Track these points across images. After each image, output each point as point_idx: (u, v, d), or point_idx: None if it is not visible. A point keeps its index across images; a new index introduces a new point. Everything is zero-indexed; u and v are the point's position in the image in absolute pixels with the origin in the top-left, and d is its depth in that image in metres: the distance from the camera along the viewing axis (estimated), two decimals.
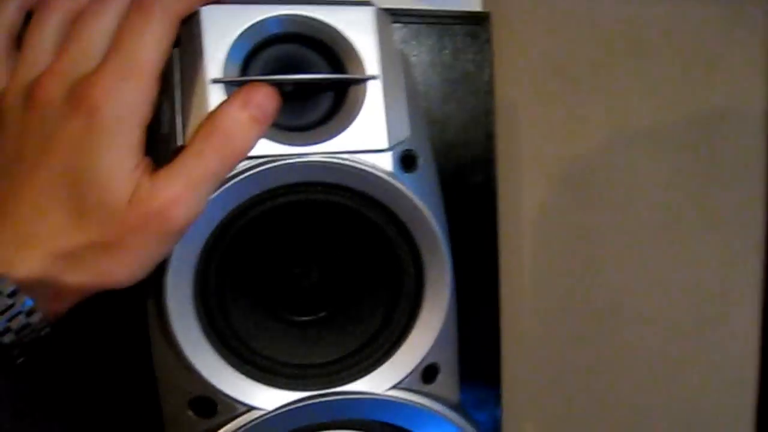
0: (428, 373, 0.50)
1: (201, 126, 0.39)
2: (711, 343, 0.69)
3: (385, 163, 0.45)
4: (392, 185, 0.45)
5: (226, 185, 0.41)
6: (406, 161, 0.47)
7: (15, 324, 0.35)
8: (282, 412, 0.46)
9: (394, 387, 0.49)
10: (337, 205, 0.45)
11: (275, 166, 0.42)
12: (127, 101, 0.36)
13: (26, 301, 0.35)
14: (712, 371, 0.69)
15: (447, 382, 0.52)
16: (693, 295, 0.68)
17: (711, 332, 0.69)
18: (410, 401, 0.49)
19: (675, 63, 0.67)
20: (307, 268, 0.49)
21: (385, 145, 0.45)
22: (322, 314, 0.50)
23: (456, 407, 0.52)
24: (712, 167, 0.65)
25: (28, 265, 0.36)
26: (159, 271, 0.41)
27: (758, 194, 0.65)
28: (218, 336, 0.45)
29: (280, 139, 0.42)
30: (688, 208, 0.67)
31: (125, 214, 0.36)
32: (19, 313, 0.35)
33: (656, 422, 0.73)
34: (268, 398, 0.46)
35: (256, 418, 0.46)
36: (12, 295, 0.35)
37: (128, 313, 0.45)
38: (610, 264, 0.71)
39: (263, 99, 0.38)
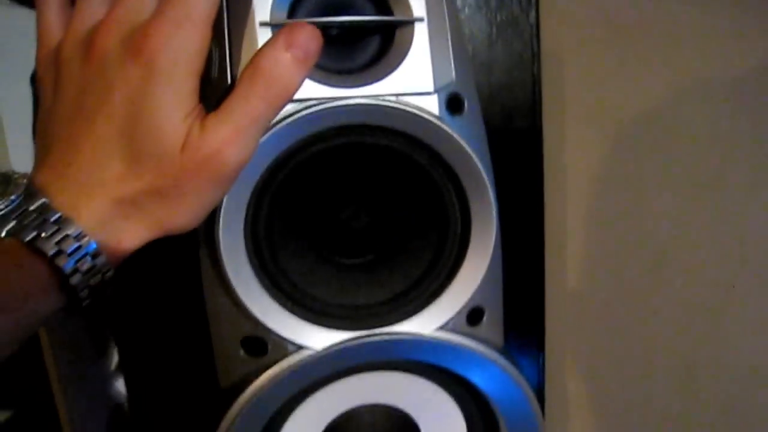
0: (473, 315, 0.51)
1: (245, 69, 0.38)
2: (756, 297, 0.69)
3: (431, 105, 0.45)
4: (439, 128, 0.45)
5: (275, 128, 0.42)
6: (453, 104, 0.47)
7: (82, 266, 0.36)
8: (331, 352, 0.47)
9: (440, 328, 0.50)
10: (385, 148, 0.45)
11: (323, 109, 0.43)
12: (183, 49, 0.37)
13: (91, 244, 0.36)
14: (756, 325, 0.69)
15: (492, 325, 0.52)
16: (739, 249, 0.68)
17: (756, 286, 0.68)
18: (456, 342, 0.50)
19: (728, 13, 0.65)
20: (355, 210, 0.49)
21: (431, 88, 0.45)
22: (370, 257, 0.50)
23: (500, 350, 0.53)
24: (762, 118, 0.64)
25: (92, 210, 0.37)
26: (211, 215, 0.43)
27: None
28: (269, 277, 0.46)
29: (327, 81, 0.43)
30: (737, 162, 0.66)
31: (179, 161, 0.37)
32: (86, 254, 0.36)
33: (697, 371, 0.73)
34: (317, 338, 0.47)
35: (306, 357, 0.47)
36: (78, 237, 0.36)
37: (182, 255, 0.46)
38: (656, 214, 0.71)
39: (305, 39, 0.37)
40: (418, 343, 0.49)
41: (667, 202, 0.70)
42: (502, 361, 0.52)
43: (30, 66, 0.45)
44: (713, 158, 0.67)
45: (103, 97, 0.37)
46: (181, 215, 0.39)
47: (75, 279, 0.36)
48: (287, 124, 0.42)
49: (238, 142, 0.38)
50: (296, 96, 0.42)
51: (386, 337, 0.48)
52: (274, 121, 0.42)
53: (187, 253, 0.46)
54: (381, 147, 0.45)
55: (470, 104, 0.47)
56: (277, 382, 0.47)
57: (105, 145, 0.37)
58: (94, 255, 0.37)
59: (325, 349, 0.47)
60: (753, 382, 0.71)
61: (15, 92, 0.49)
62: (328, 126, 0.44)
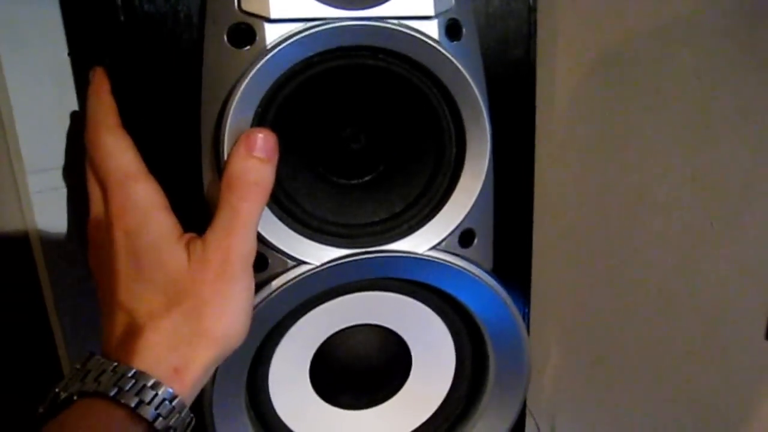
0: (465, 237, 0.53)
1: (222, 182, 0.43)
2: (731, 231, 0.70)
3: (431, 30, 0.47)
4: (438, 51, 0.46)
5: (280, 47, 0.43)
6: (452, 30, 0.48)
7: (163, 410, 0.40)
8: (329, 267, 0.49)
9: (433, 248, 0.52)
10: (385, 70, 0.47)
11: (327, 29, 0.44)
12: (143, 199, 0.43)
13: (167, 390, 0.40)
14: (730, 262, 0.71)
15: (482, 248, 0.54)
16: (718, 184, 0.69)
17: (732, 221, 0.70)
18: (448, 261, 0.52)
19: None
20: (355, 131, 0.50)
21: (431, 12, 0.46)
22: (368, 177, 0.52)
23: (489, 272, 0.55)
24: (749, 56, 0.65)
25: (146, 352, 0.41)
26: (217, 127, 0.44)
27: None
28: (271, 195, 0.47)
29: (332, 2, 0.44)
30: (720, 99, 0.67)
31: (190, 275, 0.42)
32: (164, 400, 0.40)
33: (674, 305, 0.75)
34: (315, 254, 0.49)
35: (305, 272, 0.49)
36: (154, 386, 0.40)
37: (187, 170, 0.47)
38: (638, 149, 0.72)
39: (262, 141, 0.43)
40: (412, 261, 0.51)
41: (649, 137, 0.72)
42: (492, 281, 0.54)
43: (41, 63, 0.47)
44: (697, 95, 0.68)
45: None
46: (216, 319, 0.42)
47: (159, 425, 0.40)
48: (292, 43, 0.43)
49: (237, 242, 0.43)
50: (302, 15, 0.43)
51: (381, 255, 0.50)
52: (279, 40, 0.43)
53: (191, 166, 0.47)
54: (381, 69, 0.46)
55: (468, 31, 0.49)
56: (276, 295, 0.48)
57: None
58: (172, 398, 0.40)
59: (322, 265, 0.49)
60: (725, 315, 0.73)
61: (29, 89, 0.50)
62: (331, 46, 0.45)
